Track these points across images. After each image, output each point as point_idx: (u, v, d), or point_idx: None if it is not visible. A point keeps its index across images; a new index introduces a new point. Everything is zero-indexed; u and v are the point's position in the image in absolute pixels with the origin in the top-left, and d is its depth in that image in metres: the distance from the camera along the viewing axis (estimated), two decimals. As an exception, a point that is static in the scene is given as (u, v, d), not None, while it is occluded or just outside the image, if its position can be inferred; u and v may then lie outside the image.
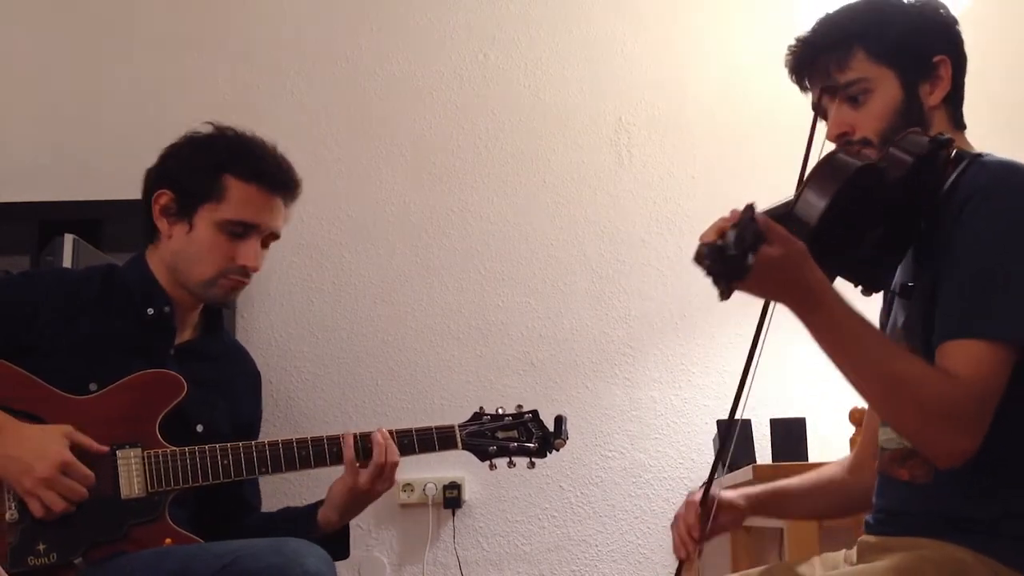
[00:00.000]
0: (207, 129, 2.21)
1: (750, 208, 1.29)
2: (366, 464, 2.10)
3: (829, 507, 1.94)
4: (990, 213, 1.49)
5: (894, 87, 1.65)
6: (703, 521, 1.74)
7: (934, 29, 1.68)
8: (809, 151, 1.61)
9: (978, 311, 1.47)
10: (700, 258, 1.28)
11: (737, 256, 1.25)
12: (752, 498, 1.86)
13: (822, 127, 1.73)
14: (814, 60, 1.70)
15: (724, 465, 1.69)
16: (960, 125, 1.71)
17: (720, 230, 1.33)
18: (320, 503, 2.19)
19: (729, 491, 1.86)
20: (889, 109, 1.65)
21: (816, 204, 1.46)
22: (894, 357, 1.46)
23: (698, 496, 1.78)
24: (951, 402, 1.43)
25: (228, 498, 2.21)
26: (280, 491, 3.03)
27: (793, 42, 1.73)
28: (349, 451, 2.10)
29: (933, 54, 1.66)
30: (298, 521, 2.19)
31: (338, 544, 2.20)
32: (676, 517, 1.80)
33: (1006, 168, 1.54)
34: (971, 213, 1.50)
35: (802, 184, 1.51)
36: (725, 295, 1.29)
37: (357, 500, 2.15)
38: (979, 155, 1.59)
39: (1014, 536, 1.50)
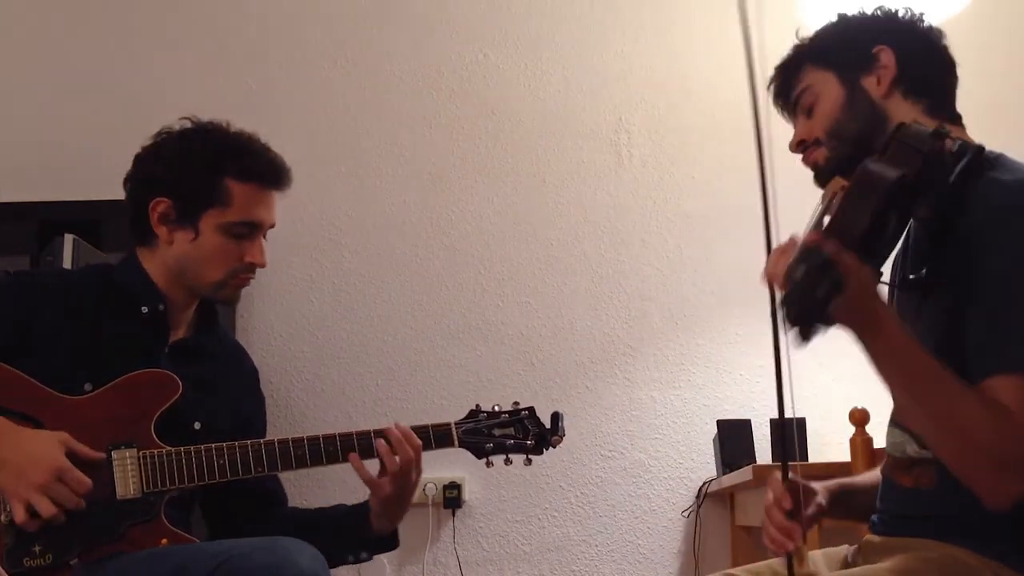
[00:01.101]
0: (183, 126, 2.20)
1: (824, 244, 1.24)
2: (384, 473, 2.09)
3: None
4: (1015, 241, 1.46)
5: (834, 86, 1.71)
6: (797, 506, 1.61)
7: (871, 24, 1.73)
8: (762, 152, 1.58)
9: (1012, 347, 1.43)
10: (783, 303, 1.24)
11: (819, 305, 1.21)
12: (828, 492, 1.77)
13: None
14: (779, 85, 1.80)
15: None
16: (946, 116, 1.67)
17: (786, 264, 1.27)
18: (366, 505, 2.18)
19: (811, 482, 1.75)
20: (834, 107, 1.71)
21: (858, 220, 1.40)
22: (953, 394, 1.41)
23: (780, 477, 1.64)
24: (1010, 446, 1.39)
25: (254, 491, 2.21)
26: (280, 491, 3.03)
27: (770, 75, 1.81)
28: (364, 473, 2.09)
29: (871, 46, 1.69)
30: (347, 522, 2.19)
31: (391, 538, 2.22)
32: (767, 509, 1.65)
33: None
34: (997, 237, 1.46)
35: (840, 198, 1.46)
36: (805, 341, 1.26)
37: (398, 503, 2.15)
38: (981, 149, 1.55)
39: (1015, 538, 1.49)
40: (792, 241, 1.41)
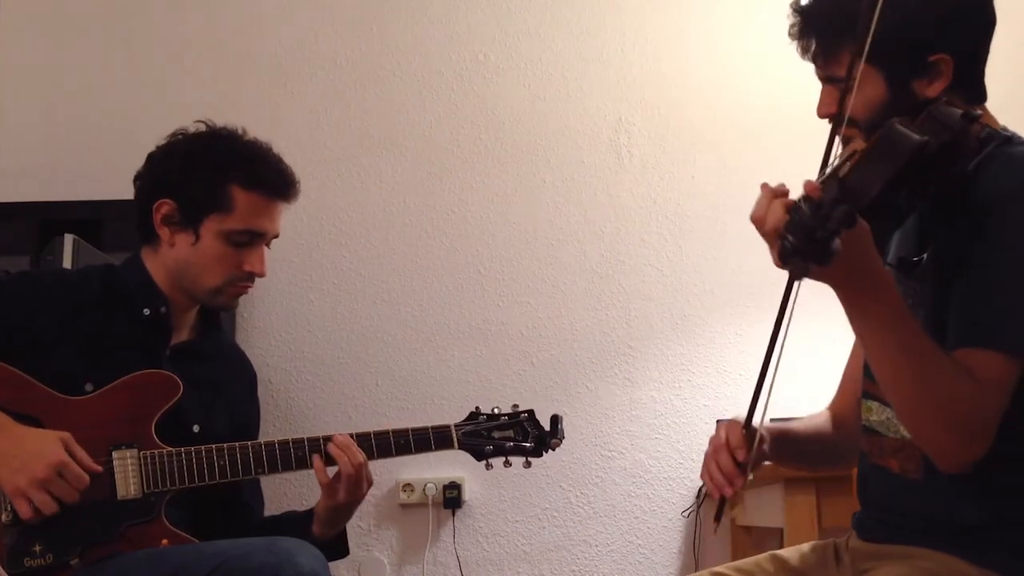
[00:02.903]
0: (198, 129, 2.20)
1: (837, 181, 1.23)
2: (339, 477, 2.09)
3: (819, 458, 1.89)
4: (1018, 219, 1.45)
5: (879, 86, 1.57)
6: (747, 448, 1.59)
7: (933, 26, 1.55)
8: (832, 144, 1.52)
9: (1002, 323, 1.44)
10: (785, 231, 1.20)
11: (824, 238, 1.18)
12: (771, 434, 1.74)
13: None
14: (807, 41, 1.64)
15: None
16: (978, 99, 1.61)
17: (786, 205, 1.26)
18: (310, 513, 2.19)
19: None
20: (873, 103, 1.56)
21: (875, 179, 1.38)
22: (934, 358, 1.43)
23: (741, 420, 1.64)
24: (974, 409, 1.42)
25: (228, 500, 2.21)
26: (280, 491, 3.03)
27: (791, 11, 1.65)
28: (322, 475, 2.09)
29: (929, 54, 1.54)
30: (293, 528, 2.17)
31: (336, 546, 2.21)
32: (712, 449, 1.63)
33: None
34: (998, 217, 1.46)
35: (859, 155, 1.44)
36: (801, 275, 1.24)
37: (342, 512, 2.16)
38: (1007, 138, 1.53)
39: (1009, 545, 1.49)
40: (782, 187, 1.38)
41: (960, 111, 1.46)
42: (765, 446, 1.69)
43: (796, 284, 1.38)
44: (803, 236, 1.19)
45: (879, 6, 1.37)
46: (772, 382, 1.52)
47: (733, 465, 1.60)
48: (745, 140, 3.33)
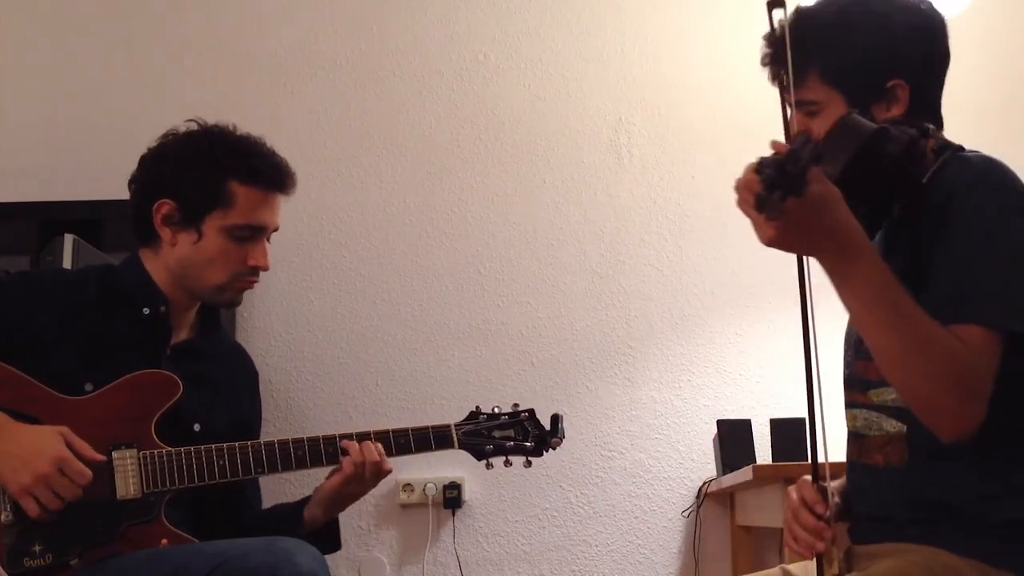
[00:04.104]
0: (189, 128, 2.20)
1: (804, 133, 1.33)
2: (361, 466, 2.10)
3: None
4: (979, 203, 1.51)
5: (841, 108, 1.64)
6: (825, 500, 1.63)
7: (891, 55, 1.65)
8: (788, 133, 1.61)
9: (975, 297, 1.48)
10: (760, 166, 1.29)
11: (797, 171, 1.27)
12: (839, 491, 1.78)
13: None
14: (776, 67, 1.72)
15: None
16: (934, 125, 1.68)
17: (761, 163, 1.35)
18: (306, 500, 2.20)
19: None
20: None
21: (836, 159, 1.47)
22: (923, 319, 1.46)
23: (808, 478, 1.68)
24: (967, 367, 1.45)
25: (230, 499, 2.21)
26: (280, 491, 3.02)
27: (762, 41, 1.73)
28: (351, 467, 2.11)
29: (887, 80, 1.64)
30: (284, 520, 2.19)
31: (328, 539, 2.21)
32: (791, 512, 1.66)
33: (988, 162, 1.56)
34: (958, 207, 1.52)
35: (819, 139, 1.53)
36: (776, 212, 1.31)
37: (343, 500, 2.18)
38: (960, 148, 1.60)
39: (994, 528, 1.50)
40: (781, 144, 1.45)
41: (914, 127, 1.55)
42: (838, 498, 1.72)
43: (808, 293, 1.45)
44: (776, 168, 1.28)
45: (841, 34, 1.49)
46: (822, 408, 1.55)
47: (815, 520, 1.63)
48: (745, 140, 3.32)
